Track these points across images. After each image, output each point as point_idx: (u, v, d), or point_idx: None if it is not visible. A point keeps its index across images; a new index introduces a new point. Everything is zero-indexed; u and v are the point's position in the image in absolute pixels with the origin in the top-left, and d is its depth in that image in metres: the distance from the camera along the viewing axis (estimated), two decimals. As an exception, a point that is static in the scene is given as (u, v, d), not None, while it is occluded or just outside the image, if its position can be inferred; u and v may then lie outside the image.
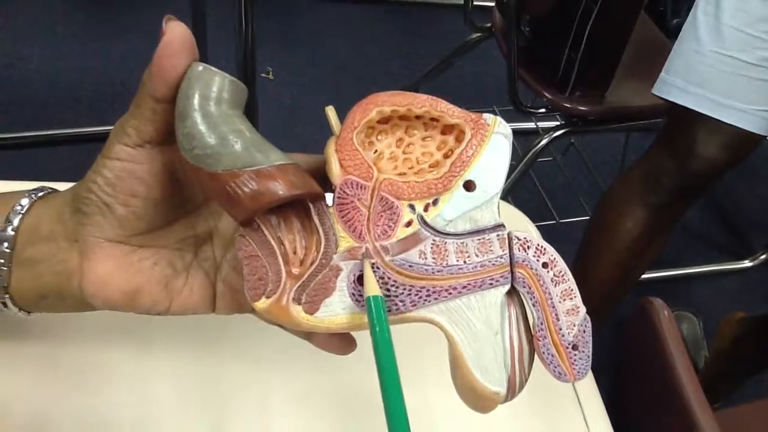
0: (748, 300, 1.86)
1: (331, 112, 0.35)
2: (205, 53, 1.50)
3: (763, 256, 1.97)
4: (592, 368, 0.57)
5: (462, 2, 1.66)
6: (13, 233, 0.35)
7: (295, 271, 0.33)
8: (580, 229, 1.34)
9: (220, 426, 0.48)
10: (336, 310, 0.33)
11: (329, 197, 0.34)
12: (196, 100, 0.31)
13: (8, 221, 0.35)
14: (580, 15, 1.35)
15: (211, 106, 0.31)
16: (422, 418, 0.50)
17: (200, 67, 0.32)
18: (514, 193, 1.62)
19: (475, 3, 1.66)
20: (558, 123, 1.54)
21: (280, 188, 0.31)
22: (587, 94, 1.47)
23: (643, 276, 1.39)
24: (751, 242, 2.02)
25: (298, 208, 0.34)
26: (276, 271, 0.33)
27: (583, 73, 1.42)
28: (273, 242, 0.33)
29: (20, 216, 0.35)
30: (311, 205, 0.33)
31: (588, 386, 0.55)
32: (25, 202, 0.36)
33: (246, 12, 1.25)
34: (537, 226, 0.65)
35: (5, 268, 0.35)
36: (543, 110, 1.58)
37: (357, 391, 0.50)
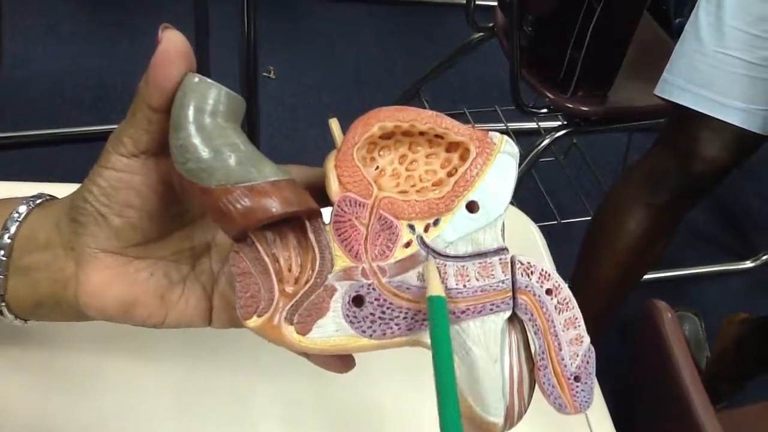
0: (750, 301, 1.85)
1: (334, 124, 0.34)
2: (207, 53, 1.49)
3: (766, 257, 1.96)
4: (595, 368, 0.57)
5: (464, 2, 1.66)
6: (9, 241, 0.34)
7: (289, 289, 0.32)
8: (581, 229, 1.34)
9: None
10: (329, 331, 0.32)
11: (327, 214, 0.33)
12: (190, 112, 0.30)
13: (5, 229, 0.35)
14: (583, 15, 1.34)
15: (206, 118, 0.31)
16: (426, 420, 0.50)
17: (196, 78, 0.31)
18: (515, 193, 1.61)
19: (477, 3, 1.66)
20: (560, 123, 1.54)
21: (273, 205, 0.30)
22: (590, 94, 1.47)
23: (646, 276, 1.39)
24: (753, 243, 2.02)
25: (294, 225, 0.33)
26: (269, 288, 0.32)
27: (585, 73, 1.42)
28: (267, 259, 0.32)
29: (17, 224, 0.35)
30: (307, 223, 0.32)
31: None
32: (22, 209, 0.35)
33: (249, 11, 1.25)
34: (538, 227, 0.65)
35: (1, 276, 0.35)
36: (545, 110, 1.58)
37: (357, 403, 0.50)
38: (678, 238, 1.32)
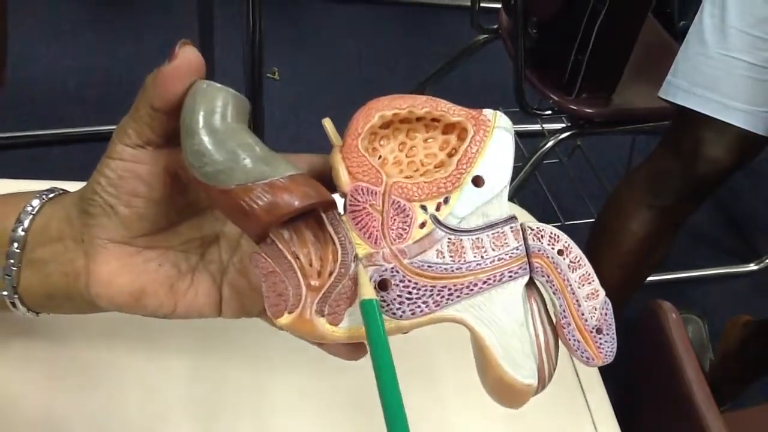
0: (754, 303, 1.85)
1: (328, 124, 0.35)
2: (212, 54, 1.50)
3: (769, 259, 1.96)
4: (600, 370, 0.57)
5: (469, 4, 1.66)
6: (23, 233, 0.35)
7: (314, 283, 0.33)
8: (585, 231, 1.34)
9: (227, 425, 0.48)
10: (360, 318, 0.33)
11: (340, 205, 0.34)
12: (201, 117, 0.31)
13: (19, 221, 0.35)
14: (588, 17, 1.34)
15: (217, 121, 0.31)
16: (432, 420, 0.50)
17: (204, 84, 0.32)
18: (519, 194, 1.62)
19: (481, 4, 1.66)
20: (564, 125, 1.54)
21: (294, 199, 0.31)
22: (594, 96, 1.47)
23: (649, 278, 1.39)
24: (757, 245, 2.02)
25: (308, 220, 0.33)
26: (295, 285, 0.32)
27: (589, 75, 1.42)
28: (289, 256, 0.33)
29: (31, 217, 0.35)
30: (324, 215, 0.33)
31: (596, 388, 0.55)
32: (35, 203, 0.36)
33: (254, 12, 1.25)
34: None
35: (14, 268, 0.35)
36: (549, 112, 1.58)
37: (366, 392, 0.50)
38: (681, 241, 1.32)
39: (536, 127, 1.79)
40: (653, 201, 1.19)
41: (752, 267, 1.96)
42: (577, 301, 0.34)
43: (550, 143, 1.52)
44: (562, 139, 1.52)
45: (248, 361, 0.51)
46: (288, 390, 0.50)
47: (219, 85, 0.32)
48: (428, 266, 0.33)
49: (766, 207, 2.17)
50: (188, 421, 0.47)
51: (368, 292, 0.32)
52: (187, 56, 0.32)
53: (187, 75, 0.32)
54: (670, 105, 1.14)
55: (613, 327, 0.34)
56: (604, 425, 0.53)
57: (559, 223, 1.81)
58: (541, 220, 0.66)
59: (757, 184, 2.17)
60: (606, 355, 0.34)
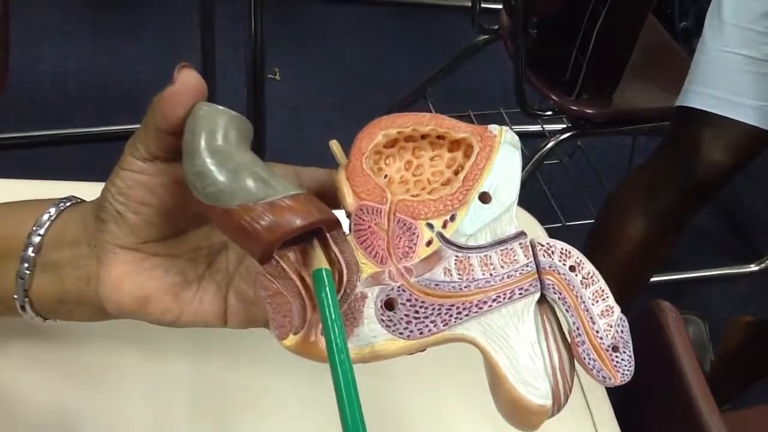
0: (754, 304, 1.85)
1: (335, 146, 0.35)
2: (213, 55, 1.50)
3: (770, 260, 1.96)
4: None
5: (469, 4, 1.66)
6: (39, 238, 0.36)
7: None
8: (586, 232, 1.34)
9: (229, 426, 0.48)
10: (367, 338, 0.32)
11: (345, 225, 0.34)
12: (203, 139, 0.31)
13: (37, 226, 0.36)
14: (588, 17, 1.34)
15: (219, 143, 0.31)
16: (426, 418, 0.50)
17: (205, 106, 0.32)
18: (520, 195, 1.61)
19: (482, 5, 1.66)
20: (565, 125, 1.54)
21: (296, 218, 0.31)
22: (594, 96, 1.47)
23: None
24: (758, 246, 2.02)
25: (315, 241, 0.33)
26: (300, 305, 0.32)
27: (590, 76, 1.42)
28: (294, 277, 0.32)
29: (48, 223, 0.36)
30: (328, 235, 0.33)
31: (596, 388, 0.55)
32: (53, 210, 0.37)
33: (255, 13, 1.25)
34: (543, 229, 0.65)
35: (28, 271, 0.36)
36: (550, 113, 1.58)
37: (369, 395, 0.50)
38: (682, 241, 1.32)
39: (537, 127, 1.78)
40: (652, 205, 1.18)
41: (753, 267, 1.95)
42: (591, 318, 0.33)
43: (551, 144, 1.52)
44: (563, 139, 1.52)
45: (251, 363, 0.51)
46: (290, 392, 0.50)
47: (221, 107, 0.32)
48: (435, 285, 0.33)
49: (767, 207, 2.16)
50: (191, 421, 0.48)
51: (321, 262, 0.31)
52: (186, 80, 0.32)
53: (186, 99, 0.32)
54: (672, 108, 1.14)
55: (630, 345, 0.33)
56: (604, 425, 0.53)
57: (559, 224, 1.81)
58: (541, 220, 0.66)
59: (758, 185, 2.17)
60: (623, 374, 0.33)
